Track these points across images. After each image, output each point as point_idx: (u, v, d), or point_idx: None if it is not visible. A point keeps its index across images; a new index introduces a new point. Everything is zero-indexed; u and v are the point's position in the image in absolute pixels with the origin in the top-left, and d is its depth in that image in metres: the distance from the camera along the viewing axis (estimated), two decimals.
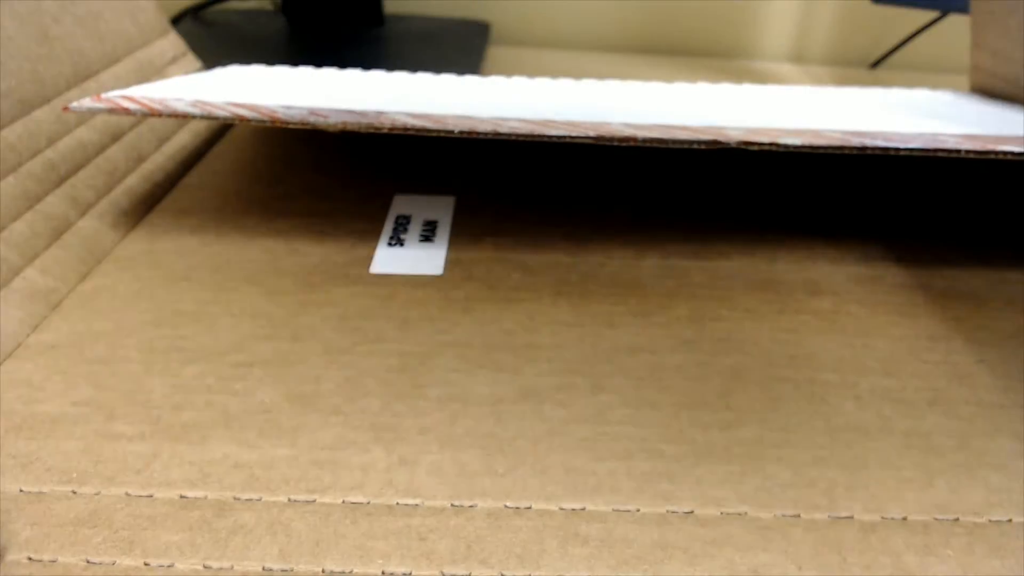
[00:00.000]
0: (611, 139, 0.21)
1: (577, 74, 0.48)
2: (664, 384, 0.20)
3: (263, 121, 0.22)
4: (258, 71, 0.33)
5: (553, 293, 0.23)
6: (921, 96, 0.34)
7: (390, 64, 0.42)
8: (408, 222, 0.27)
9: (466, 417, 0.18)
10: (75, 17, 0.29)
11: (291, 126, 0.21)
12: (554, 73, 0.48)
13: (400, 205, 0.28)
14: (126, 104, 0.23)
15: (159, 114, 0.23)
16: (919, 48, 0.48)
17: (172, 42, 0.35)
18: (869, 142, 0.21)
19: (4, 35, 0.25)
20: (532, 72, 0.47)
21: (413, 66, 0.41)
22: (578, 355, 0.21)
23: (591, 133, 0.21)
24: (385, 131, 0.21)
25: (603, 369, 0.20)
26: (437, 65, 0.42)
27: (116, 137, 0.28)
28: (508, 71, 0.48)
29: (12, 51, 0.25)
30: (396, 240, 0.26)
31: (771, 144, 0.20)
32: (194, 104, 0.23)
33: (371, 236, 0.26)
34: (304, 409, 0.18)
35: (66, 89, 0.27)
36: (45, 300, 0.22)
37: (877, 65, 0.50)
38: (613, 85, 0.33)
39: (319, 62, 0.41)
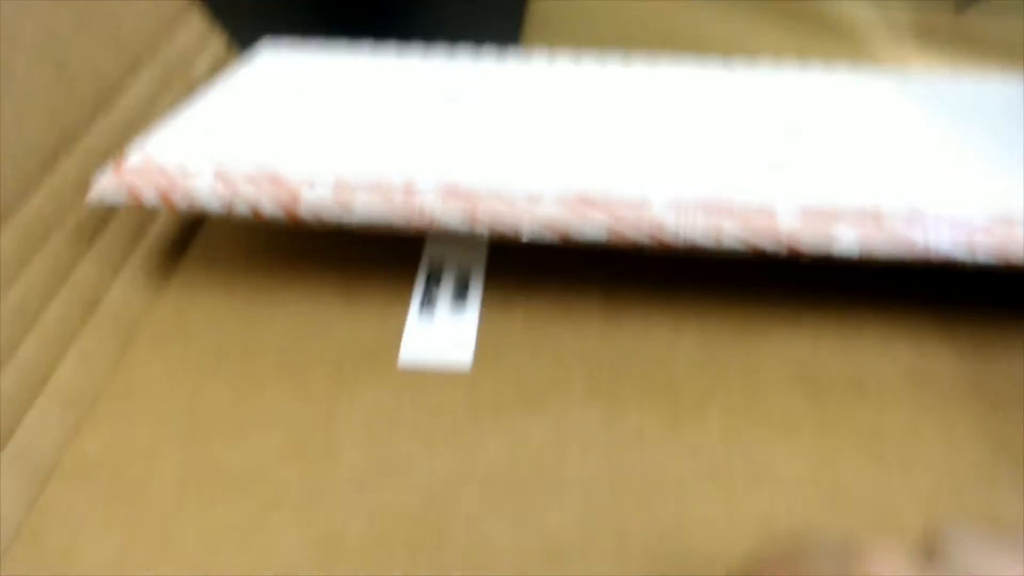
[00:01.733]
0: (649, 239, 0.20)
1: (624, 12, 0.44)
2: (686, 544, 0.19)
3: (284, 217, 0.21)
4: (283, 79, 0.30)
5: (584, 393, 0.23)
6: (996, 97, 0.29)
7: (428, 18, 0.39)
8: (440, 277, 0.26)
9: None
10: (91, 32, 0.27)
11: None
12: (599, 11, 0.44)
13: (432, 253, 0.27)
14: (145, 191, 0.22)
15: (175, 207, 0.22)
16: None
17: (195, 29, 0.32)
18: (933, 247, 0.19)
19: (19, 74, 0.23)
20: (578, 29, 0.43)
21: (451, 23, 0.38)
22: (605, 497, 0.20)
23: (629, 233, 0.20)
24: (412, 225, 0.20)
25: (627, 520, 0.20)
26: (475, 22, 0.39)
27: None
28: (552, 27, 0.43)
29: (30, 92, 0.24)
30: (427, 303, 0.25)
31: (823, 252, 0.20)
32: (214, 184, 0.22)
33: (401, 299, 0.25)
34: (328, 567, 0.19)
35: (90, 119, 0.26)
36: (79, 405, 0.22)
37: (966, 6, 0.44)
38: (658, 87, 0.30)
39: (353, 17, 0.39)
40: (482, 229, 0.21)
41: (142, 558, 0.19)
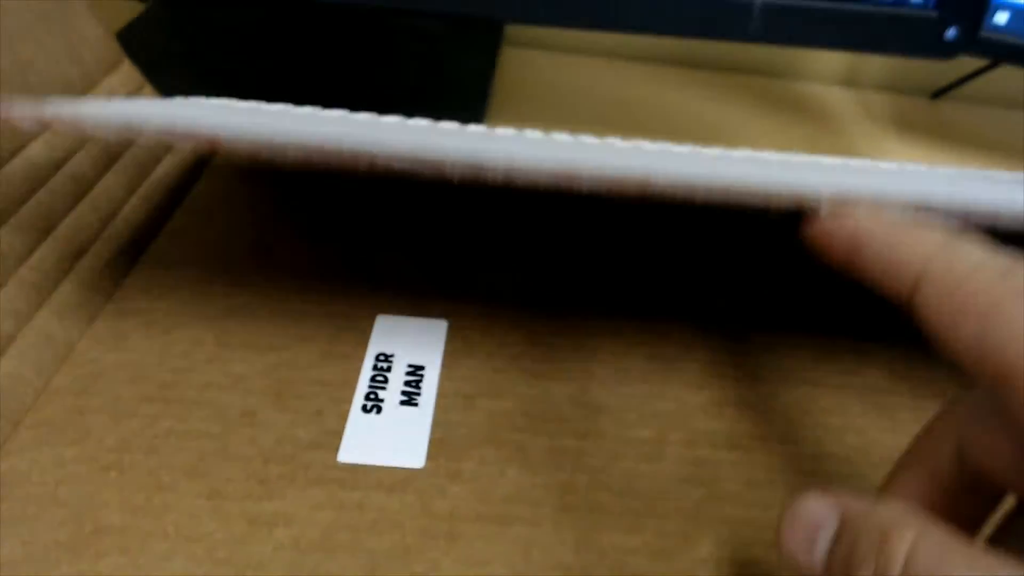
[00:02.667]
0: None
1: (598, 90, 0.42)
2: None
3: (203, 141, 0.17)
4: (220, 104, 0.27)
5: (556, 510, 0.19)
6: None
7: (389, 73, 0.37)
8: (389, 367, 0.22)
9: None
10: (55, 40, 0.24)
11: (238, 153, 0.17)
12: (572, 89, 0.42)
13: (382, 335, 0.23)
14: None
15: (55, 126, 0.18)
16: (987, 79, 0.42)
17: (125, 76, 0.29)
18: None
19: None
20: (547, 89, 0.41)
21: (417, 73, 0.36)
22: None
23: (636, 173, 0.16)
24: (362, 169, 0.16)
25: None
26: (442, 74, 0.36)
27: (47, 232, 0.24)
28: (521, 84, 0.42)
29: None
30: (373, 401, 0.21)
31: None
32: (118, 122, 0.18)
33: (344, 392, 0.22)
34: None
35: None
36: None
37: (939, 96, 0.44)
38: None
39: (305, 59, 0.36)
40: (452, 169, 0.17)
41: None
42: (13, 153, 0.24)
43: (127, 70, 0.29)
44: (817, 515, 0.14)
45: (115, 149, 0.28)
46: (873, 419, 0.22)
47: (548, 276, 0.26)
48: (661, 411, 0.22)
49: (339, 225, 0.28)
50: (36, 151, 0.24)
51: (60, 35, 0.26)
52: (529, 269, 0.27)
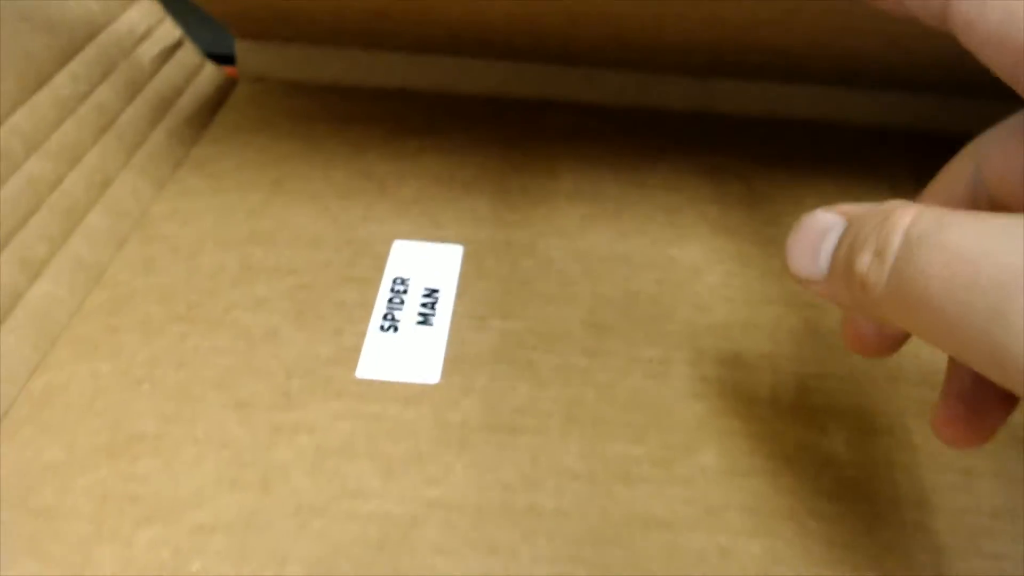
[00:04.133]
0: None
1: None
2: None
3: None
4: None
5: (563, 420, 0.20)
6: None
7: None
8: (406, 290, 0.23)
9: None
10: (17, 11, 0.24)
11: None
12: None
13: (399, 259, 0.24)
14: None
15: None
16: None
17: (145, 10, 0.30)
18: None
19: None
20: None
21: None
22: (583, 529, 0.18)
23: None
24: None
25: (610, 555, 0.17)
26: None
27: (75, 161, 0.25)
28: None
29: None
30: (390, 320, 0.22)
31: None
32: None
33: (362, 312, 0.23)
34: None
35: (11, 112, 0.23)
36: None
37: None
38: None
39: None
40: None
41: None
42: (40, 84, 0.24)
43: (147, 5, 0.30)
44: (824, 222, 0.14)
45: (139, 81, 0.28)
46: None
47: (562, 204, 0.27)
48: (668, 331, 0.23)
49: (356, 156, 0.28)
50: (61, 82, 0.25)
51: None
52: (543, 198, 0.27)
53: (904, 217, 0.12)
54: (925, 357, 0.22)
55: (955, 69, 0.26)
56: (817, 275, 0.14)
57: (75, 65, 0.26)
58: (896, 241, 0.12)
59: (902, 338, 0.16)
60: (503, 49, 0.30)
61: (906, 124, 0.31)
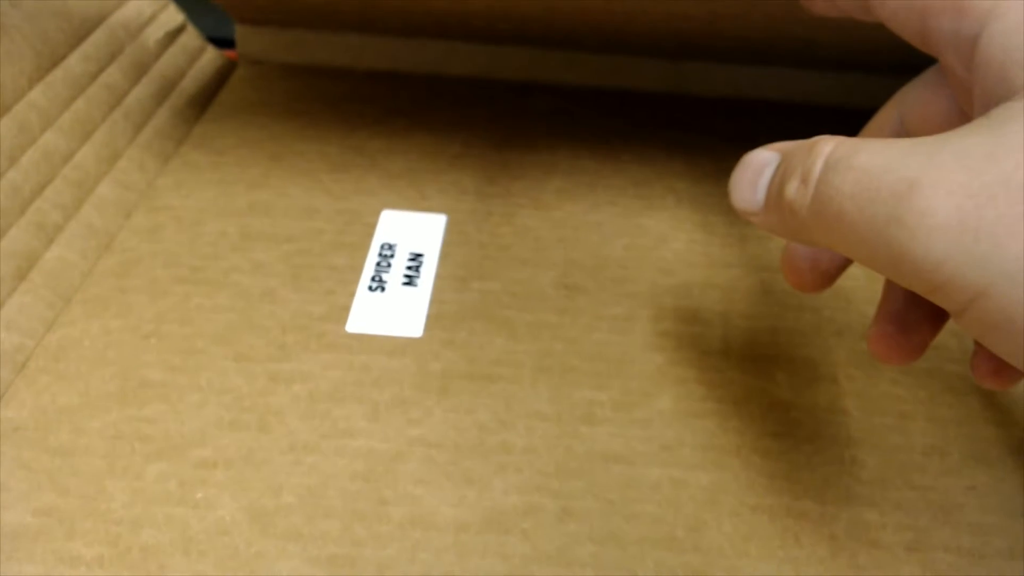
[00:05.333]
0: None
1: None
2: (635, 510, 0.19)
3: None
4: None
5: (534, 370, 0.22)
6: None
7: None
8: (392, 254, 0.25)
9: (427, 549, 0.18)
10: None
11: None
12: None
13: (387, 227, 0.26)
14: None
15: None
16: None
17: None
18: None
19: None
20: None
21: None
22: (551, 464, 0.20)
23: None
24: None
25: (574, 487, 0.19)
26: None
27: (86, 137, 0.26)
28: None
29: None
30: (378, 282, 0.24)
31: None
32: None
33: (352, 275, 0.25)
34: (264, 531, 0.18)
35: (29, 88, 0.25)
36: (11, 362, 0.21)
37: None
38: None
39: None
40: None
41: (68, 521, 0.18)
42: (54, 64, 0.26)
43: None
44: (761, 158, 0.16)
45: (145, 62, 0.30)
46: (830, 302, 0.25)
47: (540, 177, 0.29)
48: (634, 292, 0.25)
49: (349, 133, 0.30)
50: (73, 62, 0.27)
51: None
52: (522, 172, 0.29)
53: (826, 146, 0.14)
54: (870, 315, 0.24)
55: (903, 50, 0.28)
56: (756, 207, 0.16)
57: (86, 47, 0.28)
58: (818, 166, 0.14)
59: (834, 271, 0.18)
60: (487, 34, 0.32)
61: (865, 103, 0.33)
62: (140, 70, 0.30)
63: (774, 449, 0.21)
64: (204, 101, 0.32)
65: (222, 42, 0.34)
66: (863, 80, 0.32)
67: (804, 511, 0.19)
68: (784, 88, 0.33)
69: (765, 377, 0.22)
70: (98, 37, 0.28)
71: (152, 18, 0.31)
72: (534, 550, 0.18)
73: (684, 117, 0.32)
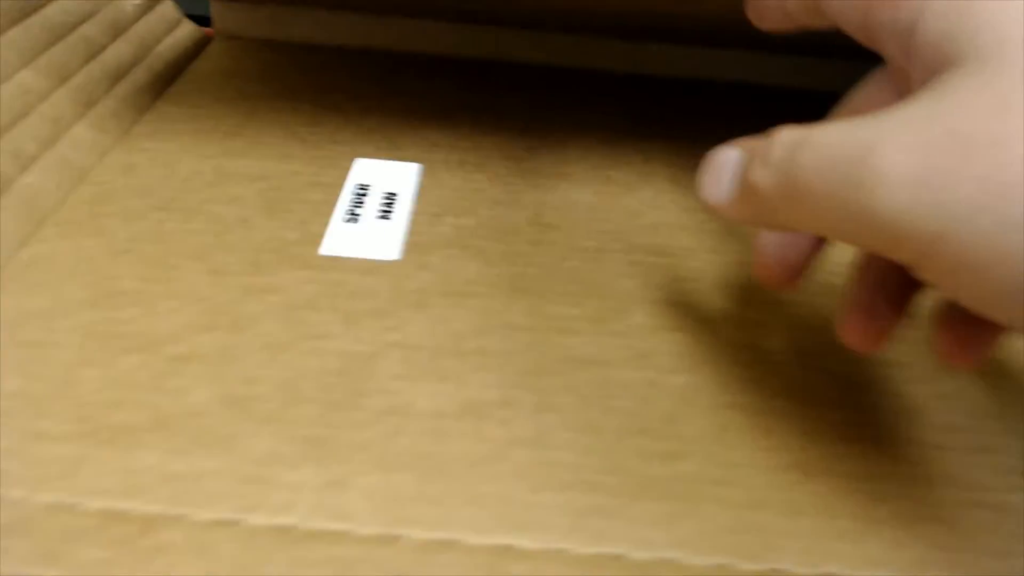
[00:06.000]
0: None
1: None
2: (611, 404, 0.19)
3: None
4: None
5: (509, 290, 0.22)
6: None
7: None
8: (367, 193, 0.26)
9: (404, 434, 0.18)
10: None
11: None
12: None
13: (361, 172, 0.27)
14: None
15: None
16: None
17: None
18: None
19: None
20: None
21: None
22: (527, 365, 0.20)
23: None
24: None
25: (550, 383, 0.20)
26: None
27: (63, 80, 0.27)
28: None
29: None
30: (351, 215, 0.25)
31: None
32: None
33: (327, 208, 0.25)
34: (238, 415, 0.18)
35: (8, 27, 0.25)
36: None
37: None
38: None
39: None
40: None
41: (37, 403, 0.18)
42: (34, 10, 0.27)
43: None
44: (725, 154, 0.17)
45: (122, 24, 0.31)
46: None
47: (511, 136, 0.30)
48: (605, 230, 0.25)
49: (323, 95, 0.31)
50: (52, 12, 0.27)
51: None
52: (493, 131, 0.30)
53: (784, 132, 0.15)
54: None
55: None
56: (724, 199, 0.17)
57: (64, 2, 0.28)
58: (779, 150, 0.15)
59: (801, 264, 0.19)
60: (455, 12, 0.33)
61: (818, 86, 0.35)
62: (117, 29, 0.30)
63: (746, 358, 0.21)
64: (181, 65, 0.32)
65: (198, 20, 0.35)
66: (817, 64, 0.34)
67: (777, 408, 0.20)
68: (739, 69, 0.35)
69: (736, 300, 0.23)
70: None
71: None
72: (511, 435, 0.18)
73: (645, 94, 0.34)
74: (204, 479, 0.17)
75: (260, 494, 0.17)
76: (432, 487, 0.17)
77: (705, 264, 0.24)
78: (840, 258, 0.19)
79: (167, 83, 0.31)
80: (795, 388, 0.20)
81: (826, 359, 0.21)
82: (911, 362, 0.22)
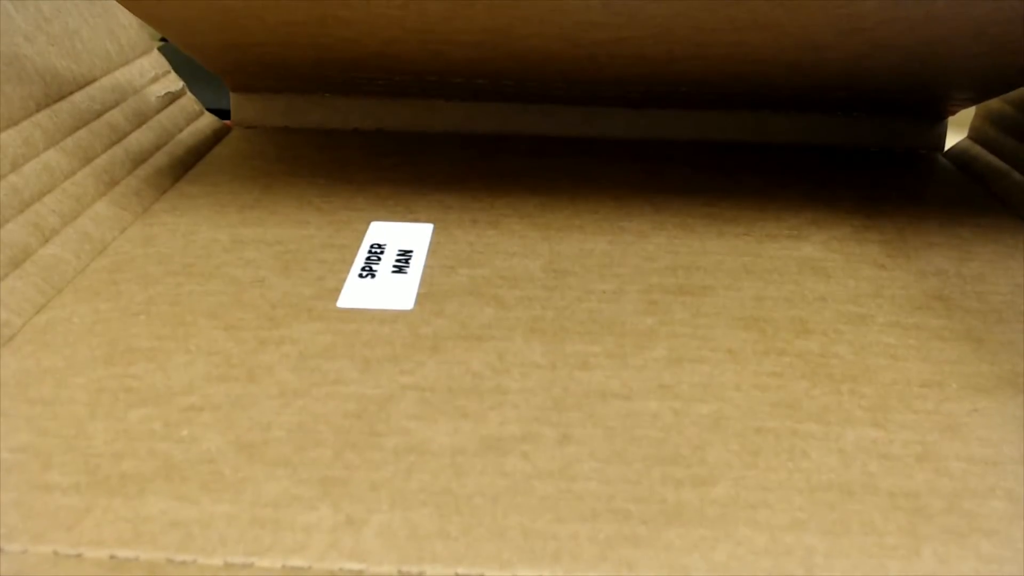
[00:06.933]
0: None
1: None
2: (636, 435, 0.18)
3: None
4: None
5: (526, 331, 0.22)
6: None
7: None
8: (382, 251, 0.26)
9: (422, 471, 0.17)
10: (49, 36, 0.28)
11: None
12: None
13: (376, 233, 0.27)
14: None
15: None
16: None
17: (154, 61, 0.34)
18: None
19: None
20: None
21: None
22: (547, 401, 0.19)
23: None
24: None
25: (573, 417, 0.19)
26: None
27: (87, 161, 0.27)
28: None
29: None
30: (368, 271, 0.25)
31: None
32: None
33: (342, 266, 0.25)
34: (251, 459, 0.17)
35: (36, 111, 0.26)
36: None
37: None
38: None
39: None
40: None
41: (45, 456, 0.17)
42: (61, 96, 0.28)
43: (156, 56, 0.34)
44: None
45: (146, 113, 0.32)
46: (809, 278, 0.25)
47: (523, 194, 0.30)
48: (620, 273, 0.25)
49: (338, 169, 0.32)
50: (79, 99, 0.29)
51: (102, 16, 0.31)
52: (505, 192, 0.30)
53: None
54: (851, 286, 0.24)
55: (855, 90, 0.30)
56: None
57: (92, 89, 0.29)
58: None
59: None
60: (467, 90, 0.34)
61: (817, 141, 0.35)
62: (141, 118, 0.31)
63: (772, 384, 0.20)
64: (201, 152, 0.33)
65: (217, 114, 0.37)
66: (815, 120, 0.35)
67: (809, 432, 0.19)
68: (743, 130, 0.35)
69: (756, 331, 0.22)
70: (103, 83, 0.30)
71: (154, 79, 0.33)
72: (534, 468, 0.17)
73: (653, 155, 0.34)
74: (214, 524, 0.16)
75: (272, 537, 0.16)
76: (452, 523, 0.16)
77: (725, 300, 0.24)
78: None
79: (188, 167, 0.32)
80: (829, 411, 0.19)
81: (857, 382, 0.20)
82: (944, 382, 0.21)
